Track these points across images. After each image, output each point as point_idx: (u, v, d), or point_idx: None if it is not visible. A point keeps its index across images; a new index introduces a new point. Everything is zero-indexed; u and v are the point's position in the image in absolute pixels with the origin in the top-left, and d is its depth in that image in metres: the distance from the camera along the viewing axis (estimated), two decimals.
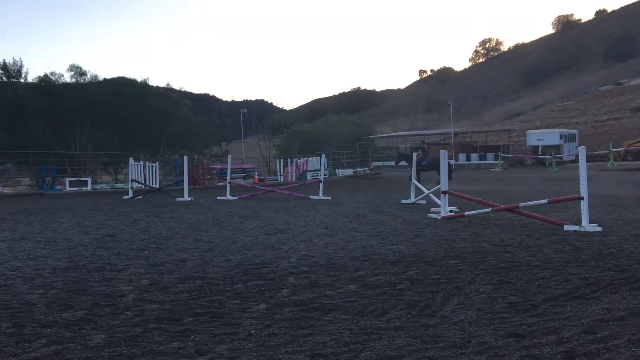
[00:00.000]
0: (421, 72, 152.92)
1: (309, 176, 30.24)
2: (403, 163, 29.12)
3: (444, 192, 10.86)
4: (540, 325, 3.95)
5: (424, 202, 13.71)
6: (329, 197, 16.35)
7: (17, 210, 14.88)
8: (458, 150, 45.61)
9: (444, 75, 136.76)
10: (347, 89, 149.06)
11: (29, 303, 4.79)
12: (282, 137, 55.89)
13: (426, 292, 4.98)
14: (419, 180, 30.34)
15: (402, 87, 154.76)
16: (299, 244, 7.88)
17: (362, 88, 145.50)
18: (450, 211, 10.95)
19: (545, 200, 9.97)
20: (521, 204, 9.70)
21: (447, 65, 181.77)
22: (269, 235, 8.90)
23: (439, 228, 9.32)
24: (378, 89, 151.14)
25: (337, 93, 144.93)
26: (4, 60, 38.91)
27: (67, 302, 4.82)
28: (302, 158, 34.76)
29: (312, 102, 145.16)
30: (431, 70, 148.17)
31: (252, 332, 3.91)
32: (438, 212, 10.91)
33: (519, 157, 44.81)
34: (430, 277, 5.58)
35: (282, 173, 33.09)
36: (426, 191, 13.35)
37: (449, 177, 29.97)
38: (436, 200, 11.85)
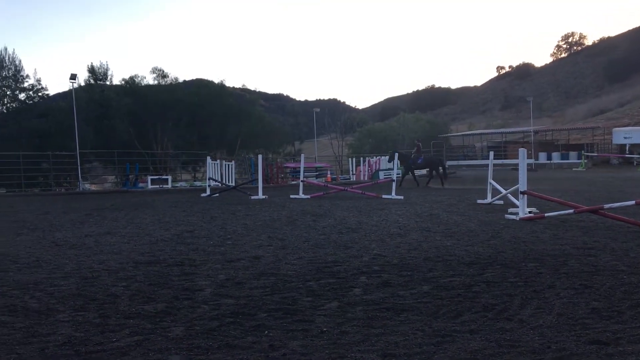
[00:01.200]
0: (499, 68, 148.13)
1: (381, 175, 30.06)
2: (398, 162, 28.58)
3: (522, 193, 10.49)
4: (625, 332, 3.74)
5: (501, 202, 13.28)
6: (402, 197, 16.18)
7: (103, 206, 15.70)
8: (538, 149, 43.96)
9: (524, 71, 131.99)
10: (421, 87, 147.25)
11: (114, 295, 5.03)
12: (354, 136, 55.92)
13: (503, 295, 4.83)
14: (414, 178, 29.49)
15: (479, 84, 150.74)
16: (371, 243, 7.85)
17: (437, 86, 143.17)
18: (529, 212, 10.56)
19: (633, 202, 9.42)
20: (606, 206, 9.21)
21: (527, 60, 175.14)
22: (341, 234, 8.92)
23: (517, 229, 9.02)
24: (453, 87, 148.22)
25: (410, 91, 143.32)
26: (91, 63, 41.19)
27: (149, 294, 5.03)
28: (374, 157, 34.61)
29: (384, 100, 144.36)
30: (510, 66, 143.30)
31: (325, 329, 3.94)
32: (516, 213, 10.56)
33: (604, 156, 42.59)
34: (508, 279, 5.41)
35: (354, 172, 33.08)
36: (504, 191, 12.93)
37: (442, 174, 28.95)
38: (514, 200, 11.46)
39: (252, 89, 49.64)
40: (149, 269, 6.28)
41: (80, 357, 3.42)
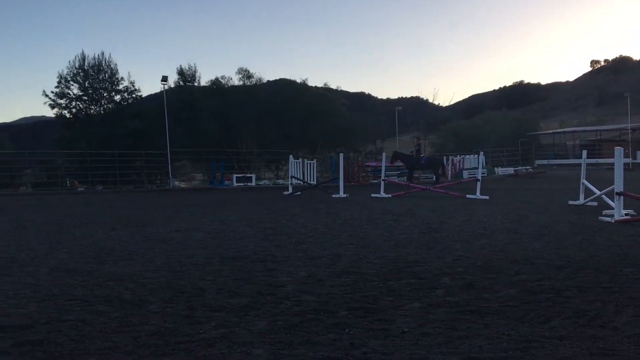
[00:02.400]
0: (593, 62, 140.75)
1: (465, 174, 29.34)
2: (399, 163, 27.28)
3: (618, 194, 9.89)
4: None
5: (594, 204, 12.58)
6: (487, 197, 15.71)
7: (191, 203, 16.33)
8: (636, 148, 41.27)
9: (621, 65, 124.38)
10: (508, 83, 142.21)
11: (201, 288, 5.22)
12: (437, 134, 54.89)
13: (596, 300, 4.57)
14: (412, 175, 27.94)
15: (571, 79, 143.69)
16: (455, 244, 7.68)
17: (526, 82, 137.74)
18: (626, 214, 9.94)
19: None
20: None
21: (624, 54, 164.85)
22: (423, 233, 8.79)
23: (612, 232, 8.51)
24: (543, 82, 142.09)
25: (496, 88, 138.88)
26: (180, 65, 42.93)
27: (234, 289, 5.18)
28: (458, 156, 33.84)
29: (469, 98, 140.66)
30: (605, 60, 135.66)
31: (406, 330, 3.89)
32: (611, 215, 9.96)
33: None
34: (601, 284, 5.12)
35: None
36: (598, 192, 12.24)
37: (441, 174, 27.24)
38: (609, 202, 10.83)
39: (334, 87, 49.85)
40: (234, 264, 6.46)
41: (169, 347, 3.57)
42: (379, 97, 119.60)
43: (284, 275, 5.76)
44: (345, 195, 17.61)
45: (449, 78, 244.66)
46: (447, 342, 3.62)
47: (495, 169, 34.26)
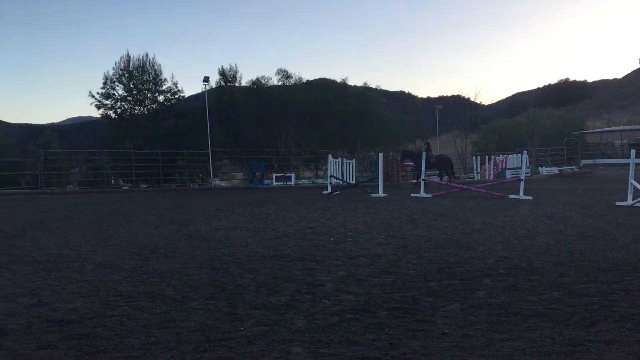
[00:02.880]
0: None
1: (508, 174, 28.76)
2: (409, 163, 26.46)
3: None
4: None
5: None
6: (531, 197, 15.38)
7: (232, 202, 16.53)
8: None
9: None
10: (553, 81, 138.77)
11: (241, 286, 5.28)
12: (479, 133, 53.98)
13: None
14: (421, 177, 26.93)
15: (619, 76, 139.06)
16: (496, 245, 7.54)
17: (571, 79, 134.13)
18: None
19: None
20: None
21: None
22: (464, 234, 8.66)
23: None
24: (590, 80, 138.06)
25: (541, 85, 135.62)
26: (222, 66, 43.52)
27: (273, 287, 5.22)
28: (500, 155, 33.23)
29: (512, 96, 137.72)
30: None
31: (446, 331, 3.85)
32: None
33: None
34: None
35: (478, 171, 32.00)
36: None
37: (451, 174, 26.28)
38: None
39: (374, 87, 49.60)
40: (273, 262, 6.51)
41: (210, 344, 3.63)
42: (419, 96, 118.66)
43: (323, 275, 5.77)
44: (384, 194, 17.52)
45: (492, 76, 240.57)
46: (489, 345, 3.57)
47: (540, 168, 33.46)
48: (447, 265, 6.16)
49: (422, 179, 18.37)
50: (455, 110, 60.20)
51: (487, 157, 32.33)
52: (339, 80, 46.43)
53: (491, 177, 29.36)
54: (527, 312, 4.28)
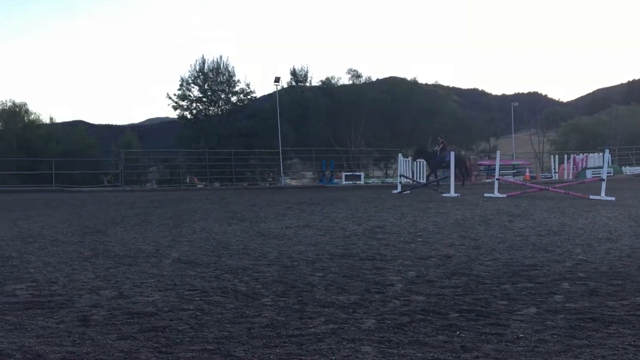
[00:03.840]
0: None
1: (588, 174, 27.50)
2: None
3: None
4: None
5: None
6: (613, 198, 14.62)
7: (302, 200, 16.70)
8: None
9: None
10: (638, 76, 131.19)
11: (311, 284, 5.33)
12: (557, 131, 51.90)
13: None
14: (437, 175, 25.32)
15: None
16: (575, 248, 7.22)
17: None
18: None
19: None
20: None
21: None
22: (541, 236, 8.35)
23: None
24: None
25: (625, 81, 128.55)
26: (293, 67, 44.07)
27: (343, 286, 5.23)
28: (580, 154, 31.81)
29: (593, 92, 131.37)
30: None
31: (521, 335, 3.72)
32: None
33: None
34: None
35: (556, 170, 30.81)
36: None
37: (465, 174, 24.37)
38: None
39: (445, 85, 48.81)
40: (342, 261, 6.53)
41: (281, 340, 3.68)
42: (494, 93, 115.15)
43: (393, 275, 5.72)
44: (456, 194, 17.17)
45: (571, 71, 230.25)
46: (566, 350, 3.42)
47: (623, 168, 31.78)
48: (523, 268, 5.96)
49: (497, 178, 17.87)
50: (531, 107, 58.18)
51: (565, 156, 31.04)
52: (409, 78, 45.94)
53: (570, 177, 28.16)
54: (608, 318, 4.07)
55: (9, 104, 39.07)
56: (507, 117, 44.63)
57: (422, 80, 48.93)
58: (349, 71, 43.92)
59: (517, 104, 41.52)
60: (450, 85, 51.55)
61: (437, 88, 46.88)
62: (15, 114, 38.73)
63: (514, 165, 31.41)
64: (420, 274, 5.75)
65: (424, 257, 6.74)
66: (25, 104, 40.09)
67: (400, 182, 21.30)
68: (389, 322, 4.06)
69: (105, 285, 5.33)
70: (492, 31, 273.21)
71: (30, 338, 3.72)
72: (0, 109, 38.68)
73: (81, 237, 8.80)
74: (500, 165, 19.16)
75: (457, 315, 4.23)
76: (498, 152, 20.02)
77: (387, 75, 54.97)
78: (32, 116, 39.69)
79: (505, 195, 16.32)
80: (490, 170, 26.87)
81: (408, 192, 19.99)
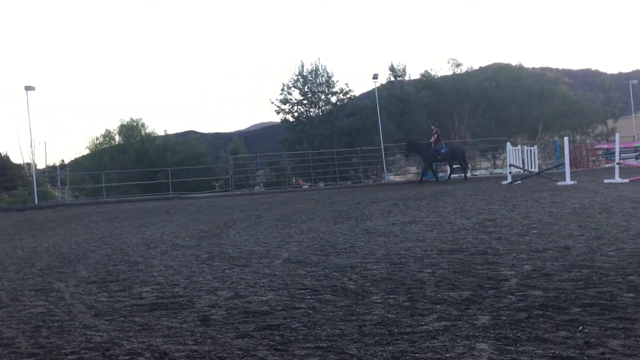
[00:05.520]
0: None
1: None
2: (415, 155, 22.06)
3: None
4: None
5: None
6: None
7: (407, 196, 16.53)
8: None
9: None
10: None
11: (420, 280, 5.26)
12: None
13: None
14: (433, 170, 22.05)
15: None
16: None
17: None
18: None
19: None
20: None
21: None
22: None
23: None
24: None
25: None
26: (391, 62, 43.78)
27: (453, 282, 5.11)
28: None
29: None
30: None
31: None
32: None
33: None
34: None
35: None
36: None
37: (465, 166, 20.95)
38: None
39: (554, 67, 46.27)
40: (452, 256, 6.38)
41: (393, 337, 3.66)
42: (609, 72, 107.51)
43: (507, 269, 5.51)
44: (572, 182, 16.21)
45: None
46: None
47: None
48: None
49: (617, 163, 16.66)
50: None
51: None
52: (513, 64, 44.04)
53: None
54: None
55: (127, 119, 42.07)
56: (626, 96, 41.46)
57: (528, 64, 46.73)
58: (449, 60, 42.87)
59: (636, 81, 38.40)
60: (560, 68, 48.69)
61: (545, 71, 44.70)
62: (134, 129, 41.61)
63: (636, 147, 29.05)
64: (537, 267, 5.49)
65: (540, 249, 6.43)
66: (141, 119, 42.98)
67: (510, 172, 20.48)
68: (505, 318, 3.91)
69: (222, 286, 5.58)
70: (602, 4, 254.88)
71: (157, 338, 3.98)
72: (120, 125, 41.75)
73: (198, 241, 9.29)
74: (620, 148, 17.82)
75: (579, 309, 4.00)
76: (617, 135, 18.64)
77: (490, 63, 53.04)
78: (148, 129, 42.44)
79: (627, 180, 15.18)
80: (609, 154, 25.06)
81: (519, 182, 19.17)
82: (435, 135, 24.26)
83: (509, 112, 39.32)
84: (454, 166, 25.28)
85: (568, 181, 16.32)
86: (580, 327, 3.61)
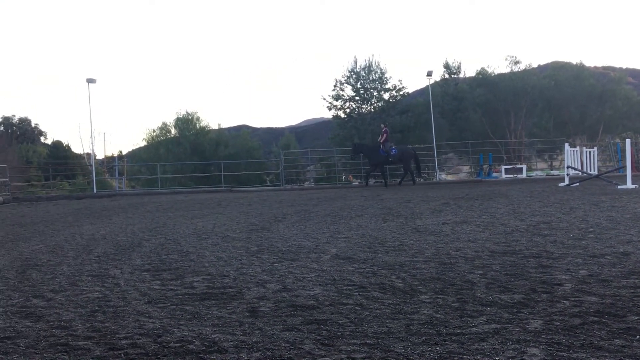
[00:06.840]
0: None
1: None
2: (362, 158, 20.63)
3: None
4: None
5: None
6: None
7: (458, 195, 16.26)
8: None
9: None
10: None
11: (470, 282, 5.17)
12: None
13: None
14: (383, 173, 19.89)
15: None
16: None
17: None
18: None
19: None
20: None
21: None
22: None
23: None
24: None
25: None
26: (446, 59, 43.10)
27: (505, 284, 5.00)
28: None
29: None
30: None
31: None
32: None
33: None
34: None
35: None
36: None
37: (417, 171, 18.97)
38: None
39: (617, 66, 44.49)
40: (504, 258, 6.24)
41: (441, 338, 3.62)
42: None
43: (561, 273, 5.35)
44: (634, 186, 15.57)
45: None
46: None
47: None
48: None
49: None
50: None
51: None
52: (574, 62, 42.58)
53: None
54: None
55: (183, 112, 43.02)
56: None
57: (589, 62, 45.14)
58: (507, 58, 41.79)
59: None
60: (624, 67, 46.74)
61: (608, 70, 42.92)
62: (189, 122, 42.51)
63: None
64: (593, 272, 5.31)
65: (597, 254, 6.21)
66: (196, 112, 43.84)
67: (567, 174, 19.84)
68: (558, 323, 3.81)
69: (271, 279, 5.65)
70: None
71: (207, 327, 4.07)
72: (175, 118, 42.73)
73: (248, 234, 9.43)
74: None
75: (636, 318, 3.84)
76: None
77: (549, 61, 51.51)
78: (203, 123, 43.26)
79: None
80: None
81: (577, 184, 18.55)
82: (384, 135, 23.42)
83: (568, 112, 38.07)
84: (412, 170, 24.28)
85: (629, 185, 15.68)
86: (638, 337, 3.47)
